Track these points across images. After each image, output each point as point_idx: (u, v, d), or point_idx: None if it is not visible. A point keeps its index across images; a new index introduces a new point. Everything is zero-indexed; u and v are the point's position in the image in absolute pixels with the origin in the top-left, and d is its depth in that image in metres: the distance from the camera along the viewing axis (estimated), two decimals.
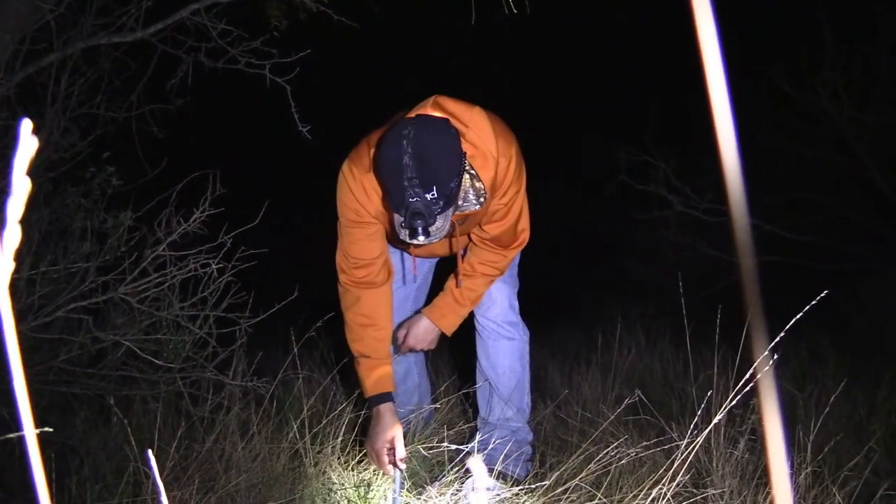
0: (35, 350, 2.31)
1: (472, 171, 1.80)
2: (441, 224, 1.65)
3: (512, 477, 2.16)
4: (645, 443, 1.90)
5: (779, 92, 4.88)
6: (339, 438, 2.07)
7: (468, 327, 2.32)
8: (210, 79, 2.97)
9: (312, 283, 2.67)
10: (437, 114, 1.75)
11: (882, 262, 4.48)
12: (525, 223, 2.05)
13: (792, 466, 1.81)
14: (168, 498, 1.71)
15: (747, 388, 1.61)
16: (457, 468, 2.01)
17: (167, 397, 2.41)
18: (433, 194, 1.58)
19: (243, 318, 2.48)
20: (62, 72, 2.66)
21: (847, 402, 2.42)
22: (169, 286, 2.37)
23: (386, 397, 1.98)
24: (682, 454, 1.66)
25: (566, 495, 1.79)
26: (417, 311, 2.25)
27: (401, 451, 1.90)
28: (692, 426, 1.74)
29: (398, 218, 1.65)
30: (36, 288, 2.28)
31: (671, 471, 1.65)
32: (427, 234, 1.62)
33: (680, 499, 1.74)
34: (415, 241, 1.64)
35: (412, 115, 1.73)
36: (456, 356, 3.48)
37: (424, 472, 2.14)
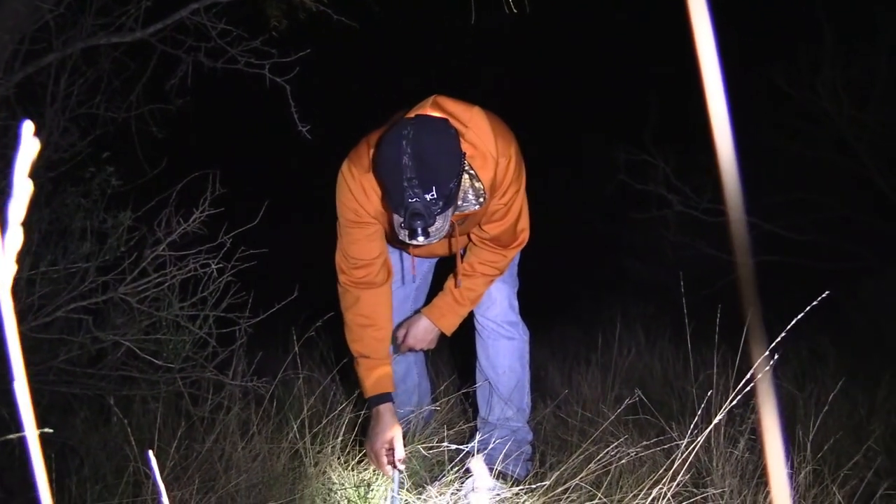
0: (35, 350, 2.31)
1: (472, 172, 1.79)
2: (440, 224, 1.65)
3: (512, 477, 2.16)
4: (645, 442, 1.90)
5: (778, 91, 4.88)
6: (339, 438, 2.06)
7: (468, 327, 2.31)
8: (209, 79, 2.97)
9: (312, 283, 2.67)
10: (437, 114, 1.75)
11: (882, 261, 4.48)
12: (525, 223, 2.05)
13: (792, 466, 1.81)
14: (168, 498, 1.70)
15: (747, 388, 1.61)
16: (457, 468, 2.01)
17: (167, 397, 2.41)
18: (432, 195, 1.58)
19: (243, 318, 2.48)
20: (62, 72, 2.66)
21: (847, 401, 2.42)
22: (169, 286, 2.37)
23: (385, 397, 1.98)
24: (682, 454, 1.66)
25: (566, 495, 1.79)
26: (417, 311, 2.24)
27: (400, 452, 1.89)
28: (692, 426, 1.74)
29: (397, 218, 1.65)
30: (36, 288, 2.28)
31: (671, 470, 1.65)
32: (426, 234, 1.62)
33: (680, 498, 1.74)
34: (414, 242, 1.64)
35: (411, 115, 1.73)
36: (456, 356, 3.48)
37: (424, 472, 2.14)
